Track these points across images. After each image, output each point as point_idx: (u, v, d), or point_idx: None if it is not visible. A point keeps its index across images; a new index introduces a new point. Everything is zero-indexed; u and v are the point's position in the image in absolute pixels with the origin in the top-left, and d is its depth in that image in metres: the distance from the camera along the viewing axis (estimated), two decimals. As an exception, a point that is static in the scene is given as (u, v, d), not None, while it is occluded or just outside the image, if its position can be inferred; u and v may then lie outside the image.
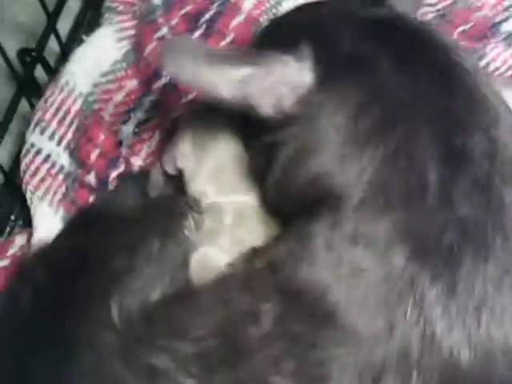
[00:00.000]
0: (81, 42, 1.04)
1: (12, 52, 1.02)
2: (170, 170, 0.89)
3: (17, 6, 1.15)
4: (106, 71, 0.98)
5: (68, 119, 0.97)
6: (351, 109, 0.68)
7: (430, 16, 1.02)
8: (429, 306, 0.63)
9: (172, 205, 0.81)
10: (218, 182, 0.84)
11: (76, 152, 0.95)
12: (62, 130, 0.96)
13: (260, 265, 0.69)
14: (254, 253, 0.73)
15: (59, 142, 0.96)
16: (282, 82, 0.69)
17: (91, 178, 0.92)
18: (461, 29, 1.01)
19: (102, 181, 0.93)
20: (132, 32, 0.99)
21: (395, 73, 0.69)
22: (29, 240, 0.93)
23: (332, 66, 0.70)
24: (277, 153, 0.72)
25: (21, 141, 1.01)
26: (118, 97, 0.96)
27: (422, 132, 0.67)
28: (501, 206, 0.67)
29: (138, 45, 0.99)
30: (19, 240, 0.94)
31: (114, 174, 0.92)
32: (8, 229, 1.02)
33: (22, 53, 1.04)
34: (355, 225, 0.65)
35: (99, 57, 0.98)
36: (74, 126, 0.96)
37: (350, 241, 0.65)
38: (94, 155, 0.93)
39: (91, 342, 0.67)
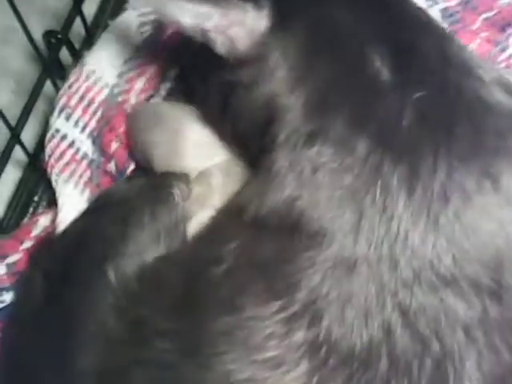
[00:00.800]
0: (106, 25, 1.03)
1: (38, 34, 1.02)
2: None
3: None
4: (129, 57, 0.99)
5: (92, 108, 0.97)
6: (299, 40, 0.73)
7: (453, 2, 1.01)
8: (393, 190, 0.65)
9: (160, 178, 0.84)
10: (198, 154, 0.86)
11: (98, 140, 0.95)
12: (87, 117, 0.97)
13: (228, 213, 0.74)
14: (226, 205, 0.78)
15: (83, 129, 0.96)
16: (238, 25, 0.74)
17: (112, 167, 0.93)
18: (484, 16, 1.00)
19: (121, 171, 0.94)
20: (154, 17, 0.99)
21: (340, 9, 0.74)
22: (53, 221, 0.94)
23: (284, 12, 0.75)
24: (235, 88, 0.77)
25: (45, 122, 1.02)
26: (139, 84, 0.97)
27: (369, 41, 0.72)
28: (457, 89, 0.70)
29: (158, 29, 0.99)
30: (43, 221, 0.94)
31: (132, 165, 0.93)
32: (31, 209, 1.04)
33: (48, 35, 1.05)
34: (309, 128, 0.69)
35: (123, 43, 0.99)
36: (97, 115, 0.97)
37: (307, 144, 0.68)
38: (114, 145, 0.93)
39: (91, 308, 0.72)
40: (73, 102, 0.97)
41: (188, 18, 0.73)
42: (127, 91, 0.97)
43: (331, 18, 0.74)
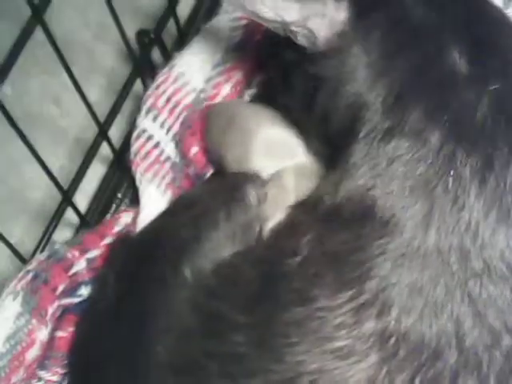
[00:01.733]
0: (198, 28, 1.04)
1: (131, 33, 1.03)
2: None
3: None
4: (218, 62, 0.99)
5: (177, 111, 0.97)
6: (378, 36, 0.74)
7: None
8: (466, 180, 0.66)
9: (234, 178, 0.84)
10: (272, 154, 0.85)
11: (180, 144, 0.95)
12: (171, 120, 0.97)
13: (303, 208, 0.75)
14: (301, 201, 0.78)
15: (168, 131, 0.97)
16: (319, 17, 0.75)
17: (191, 171, 0.93)
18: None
19: (200, 176, 0.93)
20: (245, 22, 0.99)
21: (419, 5, 0.75)
22: (134, 218, 0.94)
23: (363, 4, 0.76)
24: (320, 83, 0.78)
25: (132, 120, 1.03)
26: (226, 89, 0.96)
27: (447, 35, 0.73)
28: None
29: (248, 35, 0.99)
30: (125, 218, 0.95)
31: (211, 170, 0.93)
32: (114, 206, 1.04)
33: (141, 34, 1.06)
34: (387, 124, 0.70)
35: (213, 47, 0.99)
36: (180, 119, 0.97)
37: (384, 139, 0.69)
38: (194, 149, 0.93)
39: (166, 304, 0.73)
40: (160, 103, 0.98)
41: (269, 12, 0.75)
42: (213, 97, 0.97)
43: (409, 11, 0.75)
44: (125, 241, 0.89)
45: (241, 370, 0.66)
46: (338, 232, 0.69)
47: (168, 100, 0.98)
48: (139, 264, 0.80)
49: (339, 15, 0.75)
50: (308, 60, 0.78)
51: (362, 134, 0.72)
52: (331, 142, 0.78)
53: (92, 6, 1.13)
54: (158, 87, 0.98)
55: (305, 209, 0.75)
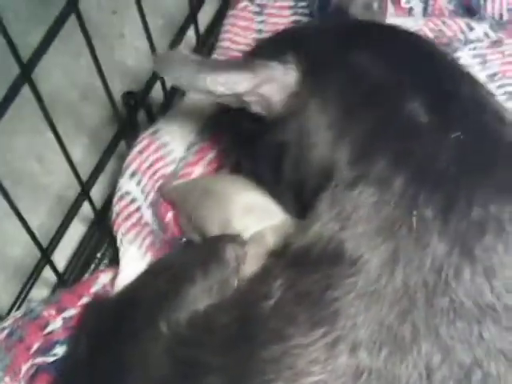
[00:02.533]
0: (183, 93, 1.05)
1: (117, 95, 1.04)
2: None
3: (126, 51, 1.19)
4: (201, 129, 1.00)
5: (155, 178, 0.99)
6: (334, 93, 0.77)
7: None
8: (428, 221, 0.68)
9: (213, 239, 0.85)
10: (252, 215, 0.87)
11: (157, 210, 0.97)
12: (149, 187, 0.98)
13: (275, 255, 0.77)
14: (273, 250, 0.80)
15: (146, 198, 0.98)
16: (269, 83, 0.78)
17: (168, 237, 0.95)
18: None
19: (177, 240, 0.95)
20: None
21: (370, 59, 0.78)
22: (113, 279, 0.94)
23: (313, 65, 0.79)
24: (283, 149, 0.80)
25: (113, 180, 1.03)
26: (209, 157, 0.99)
27: (404, 88, 0.75)
28: (491, 132, 0.75)
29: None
30: (103, 278, 0.94)
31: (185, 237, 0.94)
32: (93, 266, 1.04)
33: (127, 96, 1.06)
34: (353, 175, 0.72)
35: (195, 114, 1.00)
36: (156, 186, 0.99)
37: (350, 187, 0.71)
38: (169, 214, 0.95)
39: (141, 358, 0.73)
40: (143, 168, 0.99)
41: (219, 87, 0.76)
42: (192, 164, 0.99)
43: (361, 66, 0.78)
44: (98, 303, 0.89)
45: None
46: (307, 274, 0.70)
47: (150, 167, 0.99)
48: (114, 322, 0.80)
49: (288, 77, 0.78)
50: (267, 128, 0.81)
51: (329, 187, 0.73)
52: (302, 200, 0.80)
53: (79, 67, 1.14)
54: (141, 152, 0.99)
55: (275, 255, 0.76)
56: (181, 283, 0.77)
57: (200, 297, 0.75)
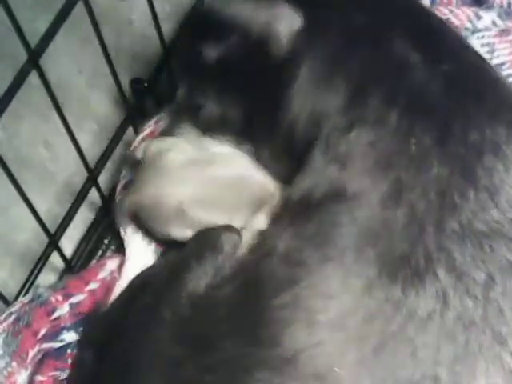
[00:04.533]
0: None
1: (125, 81, 1.04)
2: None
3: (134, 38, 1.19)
4: None
5: None
6: (329, 41, 0.80)
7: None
8: (427, 146, 0.70)
9: (207, 231, 0.85)
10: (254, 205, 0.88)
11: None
12: None
13: (274, 215, 0.80)
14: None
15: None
16: (278, 20, 0.81)
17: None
18: None
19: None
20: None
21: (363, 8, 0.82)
22: (120, 266, 0.94)
23: (316, 10, 0.82)
24: (280, 96, 0.82)
25: (122, 167, 1.04)
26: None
27: (395, 31, 0.79)
28: (476, 66, 0.80)
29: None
30: (110, 265, 0.95)
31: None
32: (100, 252, 1.04)
33: (134, 82, 1.07)
34: (347, 122, 0.75)
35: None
36: None
37: (345, 132, 0.74)
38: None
39: (149, 347, 0.73)
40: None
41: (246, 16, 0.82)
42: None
43: (353, 14, 0.81)
44: (95, 314, 0.89)
45: (235, 371, 0.66)
46: (312, 216, 0.71)
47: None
48: (118, 322, 0.81)
49: (294, 16, 0.80)
50: (268, 71, 0.83)
51: (322, 134, 0.76)
52: (294, 155, 0.81)
53: (87, 53, 1.14)
54: (144, 139, 1.00)
55: (276, 217, 0.78)
56: (178, 271, 0.78)
57: (197, 281, 0.76)
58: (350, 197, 0.70)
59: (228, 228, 0.83)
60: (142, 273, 0.88)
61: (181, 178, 0.89)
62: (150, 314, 0.76)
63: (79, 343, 0.88)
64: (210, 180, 0.89)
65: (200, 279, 0.75)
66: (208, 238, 0.81)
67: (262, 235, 0.77)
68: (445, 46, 0.80)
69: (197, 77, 0.92)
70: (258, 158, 0.89)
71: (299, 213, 0.73)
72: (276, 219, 0.78)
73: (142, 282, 0.85)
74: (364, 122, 0.73)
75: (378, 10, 0.83)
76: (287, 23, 0.81)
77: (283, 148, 0.84)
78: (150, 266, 0.90)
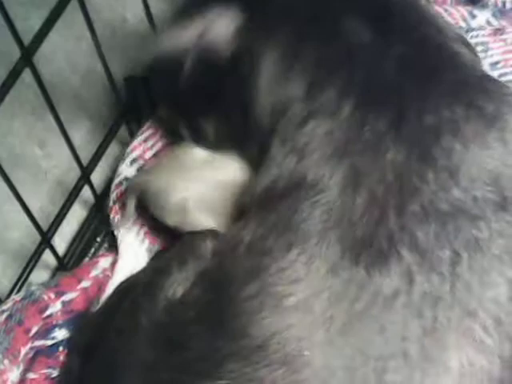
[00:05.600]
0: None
1: (118, 78, 1.04)
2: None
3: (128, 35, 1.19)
4: None
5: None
6: (276, 30, 0.80)
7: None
8: (381, 133, 0.70)
9: (189, 236, 0.85)
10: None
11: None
12: None
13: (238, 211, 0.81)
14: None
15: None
16: (213, 27, 0.82)
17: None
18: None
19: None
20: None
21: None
22: (113, 264, 0.94)
23: (255, 6, 0.82)
24: (240, 90, 0.83)
25: (115, 164, 1.04)
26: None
27: (346, 13, 0.79)
28: (434, 43, 0.78)
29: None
30: (103, 263, 0.95)
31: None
32: (93, 250, 1.04)
33: (129, 80, 1.07)
34: (304, 113, 0.75)
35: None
36: None
37: (301, 124, 0.75)
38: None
39: (126, 352, 0.74)
40: (147, 155, 1.00)
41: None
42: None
43: (302, 3, 0.82)
44: (82, 320, 0.89)
45: (207, 367, 0.67)
46: (275, 207, 0.72)
47: (155, 155, 0.99)
48: (101, 327, 0.81)
49: (231, 16, 0.81)
50: (224, 73, 0.83)
51: (279, 127, 0.77)
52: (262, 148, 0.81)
53: (81, 51, 1.14)
54: (146, 140, 1.00)
55: (239, 212, 0.79)
56: (158, 278, 0.78)
57: (176, 287, 0.76)
58: (309, 185, 0.70)
59: (212, 232, 0.83)
60: (128, 279, 0.88)
61: (191, 177, 0.90)
62: (129, 320, 0.77)
63: (67, 347, 0.88)
64: (214, 183, 0.90)
65: (179, 285, 0.76)
66: (191, 244, 0.81)
67: (229, 232, 0.78)
68: (399, 21, 0.80)
69: (172, 102, 0.94)
70: (247, 162, 0.89)
71: (263, 205, 0.74)
72: (243, 214, 0.78)
73: (125, 288, 0.85)
74: (319, 114, 0.74)
75: None
76: (224, 23, 0.81)
77: (260, 152, 0.84)
78: (130, 276, 0.89)
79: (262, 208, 0.74)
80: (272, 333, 0.65)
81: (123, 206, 0.96)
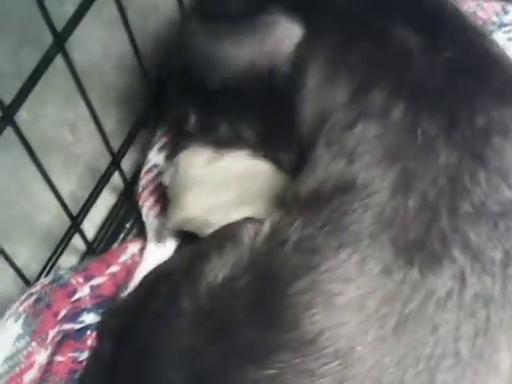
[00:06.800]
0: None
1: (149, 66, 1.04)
2: None
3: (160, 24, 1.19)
4: None
5: None
6: (327, 40, 0.81)
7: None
8: (433, 137, 0.70)
9: (230, 223, 0.84)
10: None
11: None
12: None
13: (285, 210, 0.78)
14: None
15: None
16: (274, 38, 0.81)
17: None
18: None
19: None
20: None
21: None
22: (141, 249, 0.95)
23: (317, 21, 0.81)
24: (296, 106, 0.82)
25: (145, 152, 1.04)
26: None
27: (393, 20, 0.79)
28: (480, 47, 0.79)
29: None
30: (132, 248, 0.96)
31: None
32: (122, 235, 1.05)
33: (159, 68, 1.07)
34: (351, 113, 0.75)
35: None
36: None
37: (349, 127, 0.75)
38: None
39: (167, 336, 0.74)
40: (174, 143, 1.00)
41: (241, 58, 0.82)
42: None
43: (347, 9, 0.81)
44: (112, 307, 0.90)
45: (254, 355, 0.67)
46: (323, 208, 0.72)
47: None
48: (138, 309, 0.82)
49: (293, 29, 0.81)
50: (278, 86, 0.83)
51: (323, 130, 0.77)
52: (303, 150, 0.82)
53: (113, 38, 1.15)
54: (172, 127, 1.00)
55: (286, 209, 0.78)
56: (198, 263, 0.78)
57: (216, 272, 0.75)
58: (360, 188, 0.70)
59: (249, 219, 0.82)
60: (155, 268, 0.87)
61: (217, 189, 0.92)
62: (169, 305, 0.76)
63: (98, 331, 0.88)
64: (227, 179, 0.91)
65: (219, 270, 0.75)
66: (229, 230, 0.81)
67: (274, 227, 0.77)
68: (445, 27, 0.80)
69: (203, 103, 0.92)
70: (282, 164, 0.90)
71: (309, 206, 0.74)
72: (286, 213, 0.77)
73: (157, 276, 0.85)
74: (369, 116, 0.74)
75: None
76: (288, 38, 0.81)
77: (299, 155, 0.84)
78: (164, 261, 0.89)
79: (308, 208, 0.74)
80: (323, 328, 0.66)
81: (152, 194, 0.96)
